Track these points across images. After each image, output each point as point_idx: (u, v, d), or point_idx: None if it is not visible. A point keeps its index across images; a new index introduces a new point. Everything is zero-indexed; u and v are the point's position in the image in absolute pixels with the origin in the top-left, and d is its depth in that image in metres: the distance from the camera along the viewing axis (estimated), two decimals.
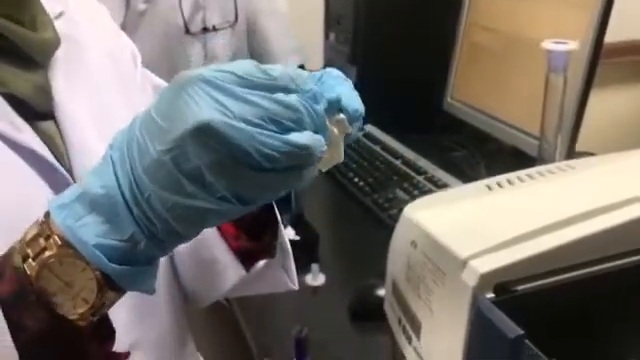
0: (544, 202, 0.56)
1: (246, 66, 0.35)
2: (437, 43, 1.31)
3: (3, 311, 0.38)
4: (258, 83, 0.35)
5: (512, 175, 0.63)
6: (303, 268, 0.88)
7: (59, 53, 0.54)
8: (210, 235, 0.60)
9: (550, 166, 0.65)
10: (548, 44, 0.83)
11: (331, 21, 1.46)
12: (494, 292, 0.47)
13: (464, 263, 0.49)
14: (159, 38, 1.30)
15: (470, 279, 0.48)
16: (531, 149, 1.03)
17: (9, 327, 0.38)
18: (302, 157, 0.35)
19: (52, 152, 0.50)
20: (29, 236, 0.39)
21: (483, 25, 1.23)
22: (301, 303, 0.86)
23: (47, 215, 0.38)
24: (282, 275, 0.64)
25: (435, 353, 0.53)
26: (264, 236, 0.60)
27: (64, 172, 0.50)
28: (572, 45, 0.83)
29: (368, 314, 0.80)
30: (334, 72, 0.40)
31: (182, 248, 0.62)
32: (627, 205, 0.52)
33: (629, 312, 0.50)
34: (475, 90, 1.25)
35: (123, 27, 1.26)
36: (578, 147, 1.02)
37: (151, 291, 0.40)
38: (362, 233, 1.04)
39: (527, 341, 0.41)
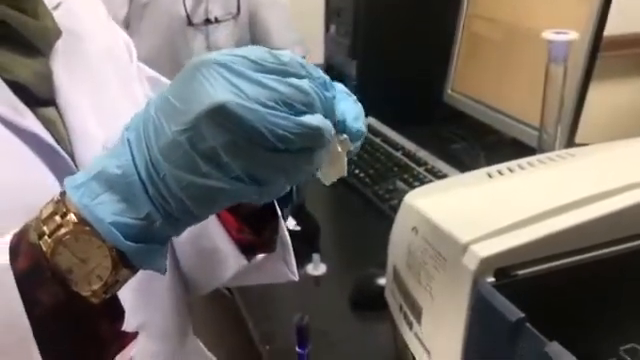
0: (544, 189, 0.56)
1: (258, 51, 0.36)
2: (437, 35, 1.31)
3: (18, 286, 0.38)
4: (270, 68, 0.36)
5: (512, 163, 0.63)
6: (304, 258, 0.89)
7: (59, 44, 0.54)
8: (212, 226, 0.61)
9: (550, 154, 0.65)
10: (549, 34, 0.83)
11: (331, 14, 1.46)
12: (494, 276, 0.48)
13: (465, 248, 0.49)
14: (162, 30, 1.30)
15: (471, 263, 0.48)
16: (531, 140, 1.03)
17: (24, 302, 0.38)
18: (314, 138, 0.36)
19: (54, 137, 0.51)
20: (45, 214, 0.39)
21: (483, 16, 1.24)
22: (302, 292, 0.87)
23: (63, 194, 0.39)
24: (282, 267, 0.65)
25: (436, 338, 0.54)
26: (264, 231, 0.61)
27: (66, 156, 0.51)
28: (572, 35, 0.83)
29: (368, 303, 0.80)
30: (338, 87, 0.41)
31: (183, 238, 0.62)
32: (625, 191, 0.53)
33: (627, 297, 0.50)
34: (475, 82, 1.25)
35: (127, 19, 1.26)
36: (578, 140, 1.03)
37: (162, 270, 0.41)
38: (363, 224, 1.05)
39: (528, 324, 0.42)
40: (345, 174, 0.44)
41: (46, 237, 0.38)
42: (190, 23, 1.32)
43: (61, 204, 0.39)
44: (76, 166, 0.51)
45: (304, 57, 1.52)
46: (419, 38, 1.31)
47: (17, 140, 0.48)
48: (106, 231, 0.37)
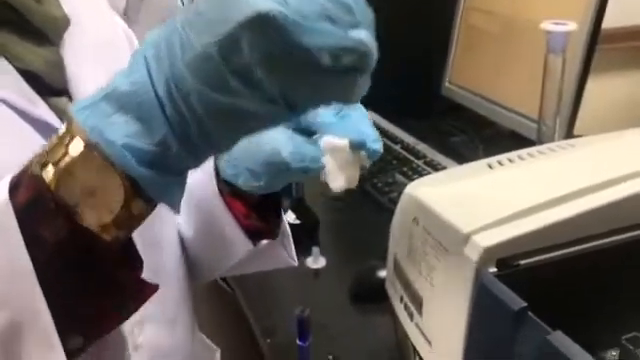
0: (545, 178, 0.56)
1: None
2: (436, 27, 1.31)
3: (19, 222, 0.35)
4: None
5: (512, 154, 0.63)
6: (304, 251, 0.89)
7: (67, 33, 0.54)
8: (220, 212, 0.61)
9: (550, 145, 0.65)
10: (547, 25, 0.83)
11: None
12: (496, 266, 0.48)
13: (467, 238, 0.49)
14: (159, 21, 1.30)
15: (473, 253, 0.48)
16: (530, 132, 1.03)
17: (25, 239, 0.35)
18: (361, 56, 0.33)
19: None
20: (49, 146, 0.36)
21: (481, 8, 1.23)
22: (302, 286, 0.87)
23: (69, 124, 0.36)
24: (282, 252, 0.65)
25: (437, 328, 0.53)
26: (270, 218, 0.62)
27: None
28: (571, 26, 0.83)
29: (369, 295, 0.80)
30: (359, 108, 0.42)
31: (191, 224, 0.63)
32: (625, 181, 0.53)
33: (629, 286, 0.50)
34: (473, 74, 1.25)
35: (125, 12, 1.26)
36: (576, 132, 1.03)
37: (177, 207, 0.38)
38: (362, 217, 1.04)
39: (530, 313, 0.42)
40: (355, 186, 0.49)
41: (50, 166, 0.35)
42: None
43: (66, 133, 0.35)
44: None
45: None
46: (417, 31, 1.30)
47: (30, 129, 0.47)
48: (118, 154, 0.34)
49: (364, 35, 0.33)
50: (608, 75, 1.66)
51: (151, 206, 0.37)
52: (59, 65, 0.52)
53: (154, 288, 0.41)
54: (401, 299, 0.60)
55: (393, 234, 0.63)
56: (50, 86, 0.50)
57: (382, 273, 0.72)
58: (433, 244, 0.53)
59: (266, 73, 0.32)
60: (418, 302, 0.56)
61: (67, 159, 0.35)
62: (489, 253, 0.47)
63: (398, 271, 0.61)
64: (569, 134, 1.01)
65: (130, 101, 0.34)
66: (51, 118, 0.49)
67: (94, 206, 0.35)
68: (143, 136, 0.34)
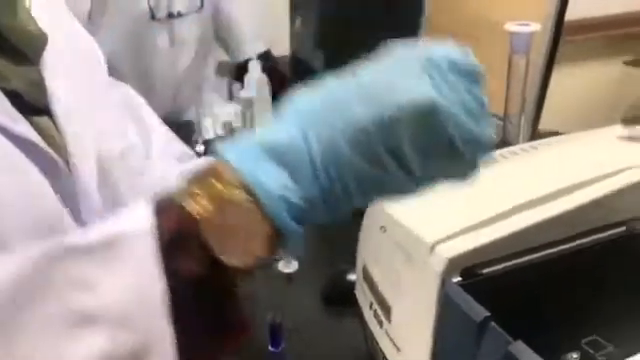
0: (508, 185, 0.57)
1: (457, 51, 0.37)
2: (402, 29, 1.31)
3: (160, 252, 0.34)
4: (464, 70, 0.36)
5: None
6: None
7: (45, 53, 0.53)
8: None
9: (513, 148, 0.66)
10: (511, 26, 0.84)
11: (297, 4, 1.45)
12: (461, 276, 0.49)
13: (431, 248, 0.50)
14: (125, 24, 1.28)
15: (437, 264, 0.49)
16: (497, 130, 1.04)
17: (163, 271, 0.34)
18: (489, 149, 0.38)
19: (50, 146, 0.49)
20: (197, 178, 0.35)
21: (447, 9, 1.24)
22: (274, 290, 0.87)
23: (214, 163, 0.36)
24: None
25: (406, 335, 0.54)
26: None
27: (63, 165, 0.49)
28: (534, 27, 0.84)
29: (340, 299, 0.81)
30: None
31: None
32: (588, 186, 0.54)
33: (589, 291, 0.51)
34: None
35: (89, 14, 1.23)
36: (542, 126, 1.05)
37: (298, 254, 0.40)
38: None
39: (493, 323, 0.43)
40: None
41: (198, 198, 0.35)
42: (153, 17, 1.29)
43: (219, 168, 0.35)
44: (69, 170, 0.50)
45: (269, 50, 1.50)
46: (387, 28, 1.31)
47: (11, 145, 0.46)
48: (274, 205, 0.34)
49: (490, 131, 0.37)
50: (572, 67, 1.69)
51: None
52: (40, 85, 0.51)
53: (249, 334, 0.41)
54: (370, 305, 0.61)
55: (362, 242, 0.64)
56: (31, 105, 0.49)
57: (353, 276, 0.72)
58: (400, 253, 0.54)
59: (419, 158, 0.35)
60: (387, 310, 0.57)
61: (219, 196, 0.35)
62: (453, 264, 0.48)
63: (367, 279, 0.62)
64: (534, 131, 1.03)
65: (284, 155, 0.35)
66: (33, 136, 0.48)
67: (238, 248, 0.35)
68: (296, 191, 0.35)
